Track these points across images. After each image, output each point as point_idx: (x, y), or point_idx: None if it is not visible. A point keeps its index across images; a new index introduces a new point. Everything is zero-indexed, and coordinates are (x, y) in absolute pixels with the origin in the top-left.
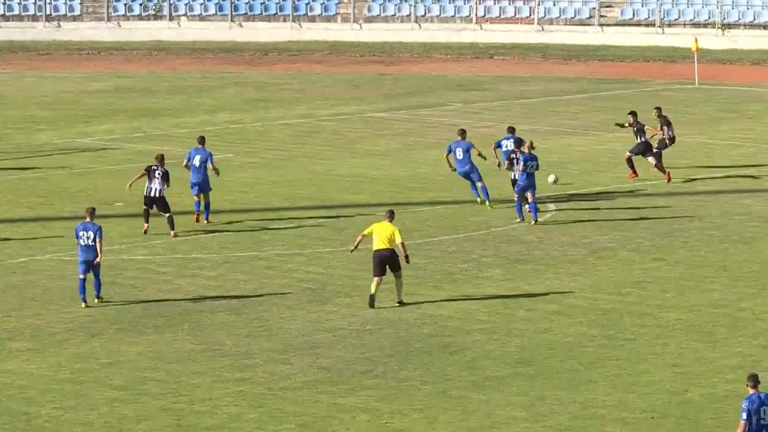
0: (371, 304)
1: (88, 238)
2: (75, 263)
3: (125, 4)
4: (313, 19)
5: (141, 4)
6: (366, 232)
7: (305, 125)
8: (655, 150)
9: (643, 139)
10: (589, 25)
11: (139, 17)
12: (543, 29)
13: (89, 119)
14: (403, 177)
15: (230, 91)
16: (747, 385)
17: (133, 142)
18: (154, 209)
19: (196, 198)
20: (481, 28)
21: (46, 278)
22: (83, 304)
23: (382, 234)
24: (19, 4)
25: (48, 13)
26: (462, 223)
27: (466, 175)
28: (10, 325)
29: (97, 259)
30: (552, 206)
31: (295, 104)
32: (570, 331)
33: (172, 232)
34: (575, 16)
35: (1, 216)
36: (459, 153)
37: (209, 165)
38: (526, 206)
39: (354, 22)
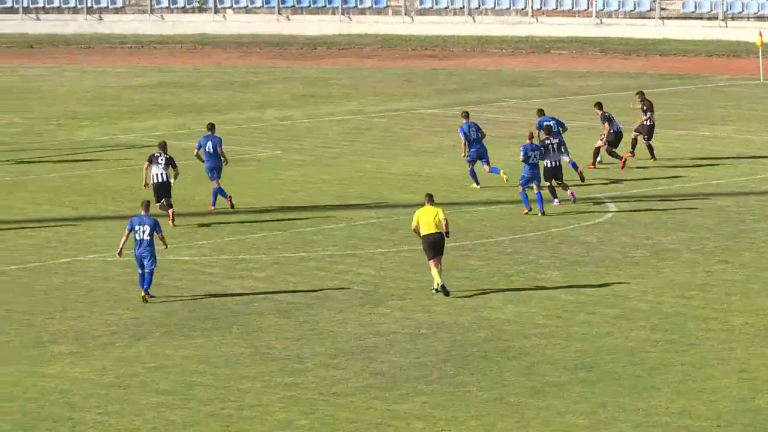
0: (446, 293)
1: (143, 232)
2: (118, 264)
3: None
4: (363, 12)
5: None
6: (414, 223)
7: (355, 122)
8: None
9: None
10: (649, 18)
11: (184, 10)
12: (601, 22)
13: (132, 115)
14: (457, 175)
15: (278, 87)
16: None
17: (178, 138)
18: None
19: (216, 184)
20: (538, 21)
21: (89, 279)
22: (144, 294)
23: (428, 218)
24: None
25: (89, 5)
26: (519, 223)
27: (479, 156)
28: (53, 327)
29: (164, 248)
30: (613, 206)
31: (345, 100)
32: (632, 336)
33: (170, 214)
34: (635, 8)
35: (43, 215)
36: (472, 133)
37: (220, 150)
38: (561, 200)
39: (405, 14)
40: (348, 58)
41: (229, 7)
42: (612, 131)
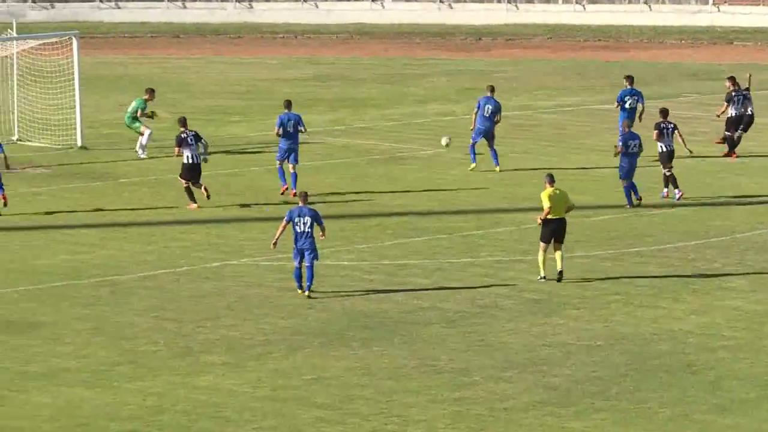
0: (559, 278)
1: (304, 224)
2: (272, 269)
3: None
4: (531, 0)
5: None
6: (547, 207)
7: (523, 118)
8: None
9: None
10: None
11: None
12: None
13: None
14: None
15: (440, 80)
16: None
17: (334, 135)
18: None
19: (292, 168)
20: (719, 11)
21: (242, 285)
22: (300, 291)
23: (559, 203)
24: None
25: None
26: (701, 227)
27: (486, 134)
28: (204, 336)
29: (322, 237)
30: None
31: (512, 94)
32: None
33: (204, 190)
34: None
35: (191, 216)
36: (487, 110)
37: (300, 128)
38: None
39: (577, 3)
40: (514, 49)
41: None
42: (733, 114)
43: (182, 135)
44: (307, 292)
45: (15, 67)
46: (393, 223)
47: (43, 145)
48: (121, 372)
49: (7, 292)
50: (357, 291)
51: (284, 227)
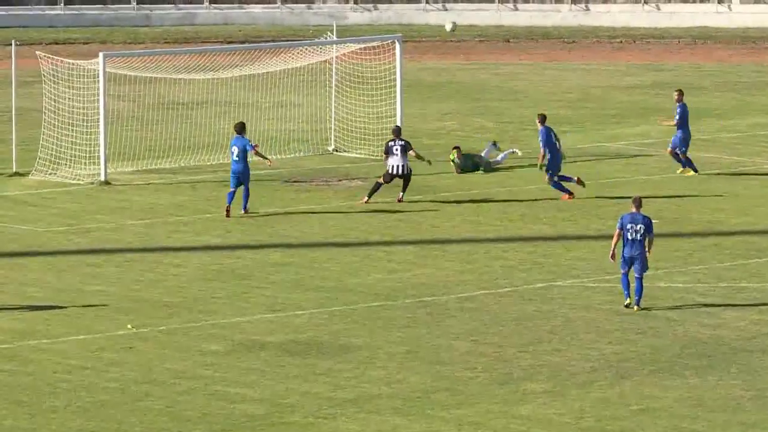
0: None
1: (636, 231)
2: (600, 291)
3: None
4: None
5: None
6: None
7: None
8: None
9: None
10: None
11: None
12: None
13: (620, 120)
14: None
15: None
16: None
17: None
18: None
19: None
20: None
21: (567, 307)
22: (628, 300)
23: None
24: None
25: None
26: None
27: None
28: (526, 362)
29: (649, 252)
30: None
31: None
32: None
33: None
34: None
35: (515, 234)
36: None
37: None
38: None
39: None
40: None
41: None
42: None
43: (390, 143)
44: (635, 307)
45: (333, 72)
46: (732, 243)
47: (360, 156)
48: (436, 399)
49: (319, 312)
50: (691, 315)
51: (618, 235)
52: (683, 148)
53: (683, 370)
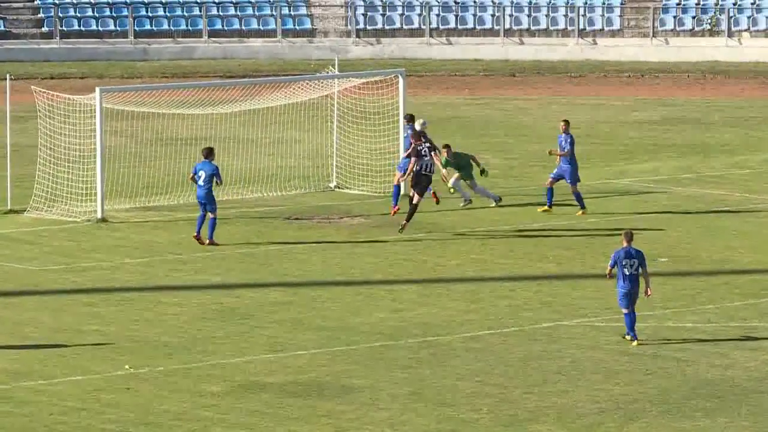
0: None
1: (631, 266)
2: (607, 330)
3: (675, 18)
4: None
5: (694, 18)
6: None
7: None
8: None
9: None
10: None
11: (692, 33)
12: None
13: (629, 156)
14: None
15: None
16: None
17: (683, 184)
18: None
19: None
20: None
21: (574, 348)
22: (628, 338)
23: None
24: (547, 17)
25: (582, 27)
26: None
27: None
28: (532, 403)
29: (648, 293)
30: None
31: None
32: None
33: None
34: None
35: (522, 273)
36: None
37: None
38: None
39: None
40: None
41: (746, 30)
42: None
43: (418, 147)
44: (635, 342)
45: (335, 107)
46: (743, 282)
47: (362, 192)
48: None
49: (320, 352)
50: (701, 356)
51: (610, 272)
52: (577, 182)
53: (693, 412)
